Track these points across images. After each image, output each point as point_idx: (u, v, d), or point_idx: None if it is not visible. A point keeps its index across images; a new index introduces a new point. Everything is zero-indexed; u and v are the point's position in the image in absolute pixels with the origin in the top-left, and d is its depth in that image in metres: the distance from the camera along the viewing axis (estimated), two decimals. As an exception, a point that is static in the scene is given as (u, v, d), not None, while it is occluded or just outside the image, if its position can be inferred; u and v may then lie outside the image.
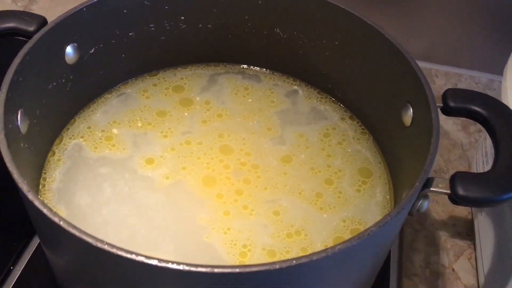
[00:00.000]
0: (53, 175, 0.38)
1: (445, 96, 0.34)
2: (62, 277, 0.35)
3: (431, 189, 0.29)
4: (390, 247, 0.34)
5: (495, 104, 0.33)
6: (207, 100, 0.45)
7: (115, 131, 0.42)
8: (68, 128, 0.41)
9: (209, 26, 0.45)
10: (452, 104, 0.34)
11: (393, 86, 0.38)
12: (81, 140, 0.41)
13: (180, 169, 0.39)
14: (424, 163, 0.29)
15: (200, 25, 0.45)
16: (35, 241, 0.42)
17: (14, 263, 0.41)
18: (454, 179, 0.29)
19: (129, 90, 0.45)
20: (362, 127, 0.44)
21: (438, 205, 0.51)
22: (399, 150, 0.38)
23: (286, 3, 0.42)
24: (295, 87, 0.47)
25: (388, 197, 0.39)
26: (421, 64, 0.66)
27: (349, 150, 0.42)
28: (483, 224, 0.45)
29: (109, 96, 0.44)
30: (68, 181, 0.38)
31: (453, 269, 0.47)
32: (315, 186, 0.39)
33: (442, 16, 0.61)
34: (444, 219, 0.50)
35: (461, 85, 0.65)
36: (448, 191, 0.29)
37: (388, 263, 0.45)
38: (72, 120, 0.42)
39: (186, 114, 0.44)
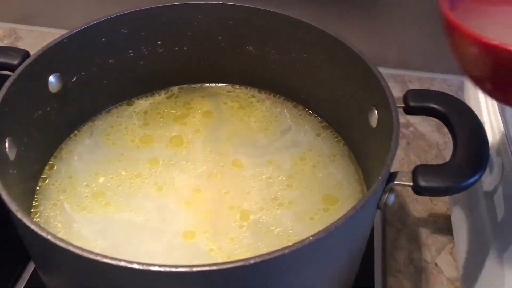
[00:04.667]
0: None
1: (406, 96, 0.37)
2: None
3: (395, 182, 0.31)
4: (364, 242, 0.36)
5: (452, 101, 0.36)
6: (184, 122, 0.46)
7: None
8: (56, 156, 0.43)
9: (185, 48, 0.47)
10: (412, 103, 0.36)
11: (360, 91, 0.41)
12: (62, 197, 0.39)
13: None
14: (386, 159, 0.31)
15: (177, 48, 0.47)
16: (30, 267, 0.44)
17: (10, 290, 0.42)
18: (416, 172, 0.31)
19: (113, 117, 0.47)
20: (336, 136, 0.46)
21: (418, 203, 0.53)
22: (371, 153, 0.40)
23: (254, 22, 0.45)
24: (277, 104, 0.48)
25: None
26: (396, 72, 0.71)
27: (320, 174, 0.42)
28: (457, 217, 0.47)
29: (93, 122, 0.46)
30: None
31: (435, 264, 0.48)
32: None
33: (413, 27, 0.65)
34: (425, 217, 0.52)
35: (434, 89, 0.68)
36: (411, 183, 0.31)
37: (372, 261, 0.46)
38: (59, 148, 0.43)
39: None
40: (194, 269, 0.25)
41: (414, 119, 0.63)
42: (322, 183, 0.41)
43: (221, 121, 0.47)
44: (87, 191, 0.40)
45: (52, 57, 0.40)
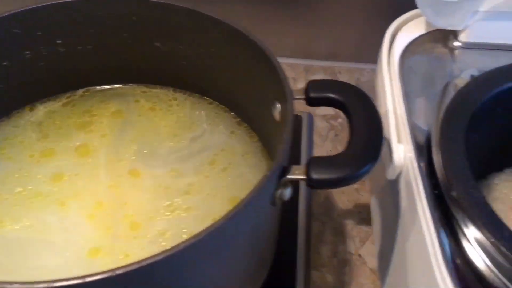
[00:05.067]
0: None
1: (306, 88, 0.36)
2: None
3: (288, 176, 0.30)
4: (267, 238, 0.35)
5: (350, 90, 0.35)
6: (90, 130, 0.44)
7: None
8: None
9: (89, 47, 0.45)
10: (312, 94, 0.35)
11: (264, 84, 0.39)
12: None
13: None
14: (278, 153, 0.30)
15: (80, 48, 0.45)
16: None
17: None
18: (309, 164, 0.30)
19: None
20: (250, 132, 0.44)
21: (344, 195, 0.53)
22: (277, 147, 0.39)
23: (157, 17, 0.43)
24: (194, 105, 0.46)
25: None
26: (326, 63, 0.70)
27: (229, 178, 0.40)
28: (373, 207, 0.46)
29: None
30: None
31: (359, 255, 0.48)
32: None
33: (343, 19, 0.65)
34: (350, 208, 0.52)
35: (364, 79, 0.68)
36: (304, 177, 0.30)
37: (295, 257, 0.46)
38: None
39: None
40: (56, 284, 0.23)
41: (342, 110, 0.62)
42: (230, 186, 0.39)
43: (129, 123, 0.44)
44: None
45: None
